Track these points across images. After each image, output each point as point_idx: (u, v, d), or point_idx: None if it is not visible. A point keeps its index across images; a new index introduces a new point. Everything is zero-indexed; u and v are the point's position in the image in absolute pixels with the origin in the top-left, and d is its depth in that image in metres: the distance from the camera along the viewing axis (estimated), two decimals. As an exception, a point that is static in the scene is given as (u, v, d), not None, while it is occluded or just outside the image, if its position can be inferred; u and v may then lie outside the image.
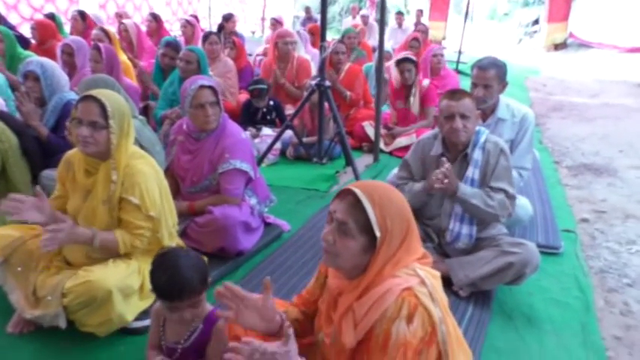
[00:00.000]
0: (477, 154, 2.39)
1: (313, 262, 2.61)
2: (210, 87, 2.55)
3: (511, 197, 2.35)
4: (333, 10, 21.37)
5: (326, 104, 3.69)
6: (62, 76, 3.21)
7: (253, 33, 14.26)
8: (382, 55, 4.09)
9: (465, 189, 2.30)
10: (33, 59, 3.15)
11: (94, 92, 2.04)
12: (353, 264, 1.33)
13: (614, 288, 2.55)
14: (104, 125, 1.99)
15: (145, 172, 2.10)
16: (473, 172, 2.38)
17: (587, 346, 2.08)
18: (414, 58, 4.54)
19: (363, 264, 1.33)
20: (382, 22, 4.02)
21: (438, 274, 1.39)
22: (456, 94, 2.39)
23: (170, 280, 1.51)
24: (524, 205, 2.83)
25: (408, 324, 1.24)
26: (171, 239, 2.28)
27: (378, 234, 1.28)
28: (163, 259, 1.56)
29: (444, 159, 2.34)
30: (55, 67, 3.18)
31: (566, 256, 2.84)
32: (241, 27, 9.13)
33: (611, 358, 2.02)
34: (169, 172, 2.71)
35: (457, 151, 2.43)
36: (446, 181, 2.25)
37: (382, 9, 4.01)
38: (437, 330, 1.28)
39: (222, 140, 2.60)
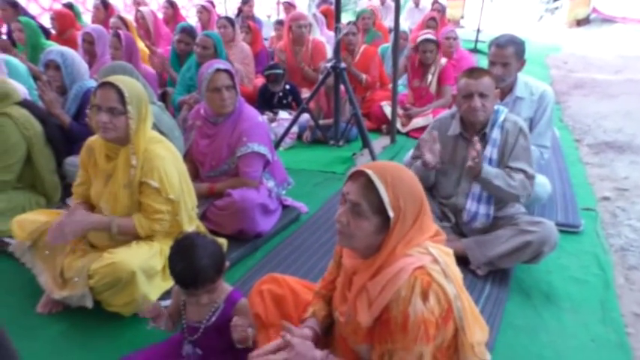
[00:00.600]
0: (495, 134, 2.37)
1: (331, 243, 2.64)
2: (226, 70, 2.57)
3: (530, 177, 2.32)
4: (349, -8, 21.09)
5: (342, 86, 3.68)
6: (82, 65, 3.26)
7: (269, 17, 14.16)
8: (398, 36, 4.05)
9: (489, 170, 2.27)
10: (53, 48, 3.20)
11: (112, 79, 2.08)
12: (367, 244, 1.35)
13: (635, 265, 2.53)
14: (122, 111, 2.04)
15: (164, 155, 2.15)
16: (491, 151, 2.37)
17: (606, 322, 2.08)
18: (434, 38, 4.49)
19: (376, 244, 1.35)
20: (397, 2, 3.95)
21: (450, 251, 1.40)
22: (474, 72, 2.36)
23: (185, 268, 1.55)
24: (542, 183, 2.80)
25: (424, 302, 1.26)
26: (191, 222, 2.33)
27: (391, 214, 1.30)
28: (180, 246, 1.59)
29: (476, 138, 2.29)
30: (75, 55, 3.23)
31: (586, 235, 2.82)
32: (257, 11, 9.06)
33: (631, 334, 2.02)
34: (188, 157, 2.75)
35: (475, 131, 2.41)
36: (477, 160, 2.23)
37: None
38: (453, 306, 1.30)
39: (239, 124, 2.63)
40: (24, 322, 2.07)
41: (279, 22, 7.27)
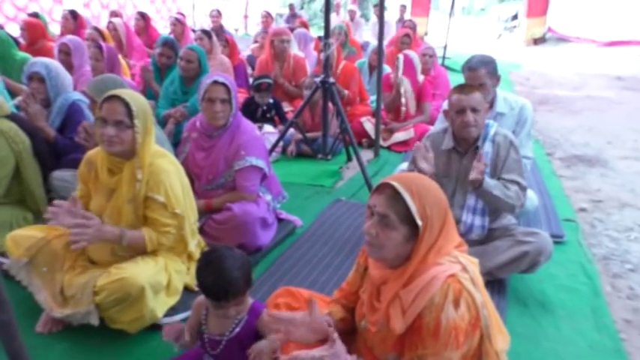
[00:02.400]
0: (487, 147, 2.46)
1: (330, 256, 2.67)
2: (224, 84, 2.57)
3: (523, 188, 2.42)
4: (314, 7, 21.39)
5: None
6: (67, 77, 3.19)
7: (236, 30, 14.20)
8: (382, 51, 4.14)
9: (489, 181, 2.34)
10: (37, 60, 3.12)
11: (118, 92, 2.05)
12: (396, 254, 1.39)
13: (619, 274, 2.66)
14: (129, 124, 2.01)
15: (169, 170, 2.13)
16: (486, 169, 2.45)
17: (600, 329, 2.18)
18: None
19: (405, 253, 1.39)
20: (382, 18, 4.05)
21: (476, 260, 1.46)
22: (465, 88, 2.45)
23: (217, 281, 1.54)
24: (530, 197, 2.91)
25: (456, 309, 1.31)
26: (193, 236, 2.32)
27: (419, 223, 1.34)
28: (209, 259, 1.59)
29: (480, 152, 2.36)
30: (59, 67, 3.16)
31: (569, 245, 2.95)
32: (225, 24, 9.09)
33: (625, 340, 2.12)
34: (183, 170, 2.72)
35: (468, 145, 2.50)
36: (481, 174, 2.29)
37: (381, 4, 4.05)
38: (480, 314, 1.36)
39: (237, 137, 2.64)
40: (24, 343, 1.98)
41: (265, 32, 7.37)
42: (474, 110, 2.38)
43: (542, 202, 3.44)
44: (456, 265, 1.37)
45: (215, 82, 2.55)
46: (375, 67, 5.93)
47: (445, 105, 2.70)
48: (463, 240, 1.51)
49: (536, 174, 4.03)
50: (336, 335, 1.34)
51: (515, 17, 15.97)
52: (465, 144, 2.50)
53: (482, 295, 1.38)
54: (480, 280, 1.40)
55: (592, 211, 3.43)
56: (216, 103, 2.55)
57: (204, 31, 5.25)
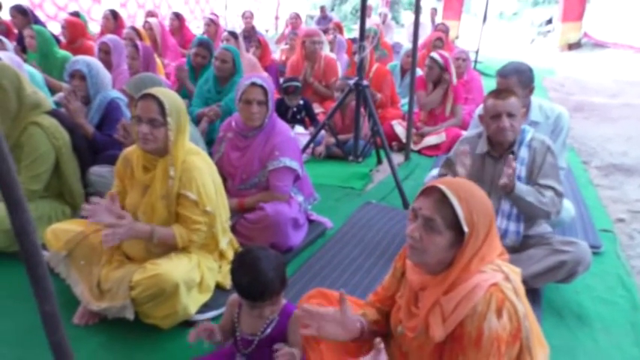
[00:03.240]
0: (523, 152, 2.41)
1: (360, 259, 2.66)
2: (261, 86, 2.59)
3: (559, 195, 2.37)
4: (344, 9, 21.41)
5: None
6: (106, 75, 3.27)
7: (267, 31, 14.30)
8: (415, 54, 4.11)
9: (521, 186, 2.31)
10: (79, 59, 3.20)
11: (152, 91, 2.09)
12: (438, 259, 1.37)
13: (659, 287, 2.58)
14: (162, 122, 2.05)
15: (201, 167, 2.16)
16: (519, 169, 2.40)
17: (639, 345, 2.11)
18: (440, 60, 4.59)
19: (447, 259, 1.37)
20: (417, 21, 4.01)
21: (518, 270, 1.43)
22: (501, 93, 2.41)
23: (252, 281, 1.55)
24: (566, 207, 2.85)
25: (498, 318, 1.28)
26: (225, 234, 2.34)
27: (466, 229, 1.32)
28: (244, 260, 1.60)
29: (511, 156, 2.32)
30: (100, 66, 3.24)
31: (607, 256, 2.87)
32: (256, 25, 9.20)
33: (666, 356, 2.05)
34: (217, 169, 2.75)
35: (503, 150, 2.45)
36: (511, 178, 2.26)
37: (417, 7, 4.02)
38: (521, 325, 1.32)
39: (272, 138, 2.65)
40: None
41: (295, 34, 7.42)
42: (510, 115, 2.34)
43: (579, 212, 3.35)
44: (498, 274, 1.34)
45: (253, 84, 2.57)
46: (406, 70, 5.90)
47: (480, 110, 2.67)
48: (504, 249, 1.48)
49: (572, 183, 3.94)
50: (382, 346, 1.32)
51: (549, 22, 15.64)
52: (499, 148, 2.46)
53: (524, 306, 1.35)
54: (522, 290, 1.37)
55: (630, 222, 3.33)
56: (253, 104, 2.57)
57: (231, 33, 5.32)
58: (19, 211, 1.17)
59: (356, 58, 3.44)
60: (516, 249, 2.44)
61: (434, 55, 4.61)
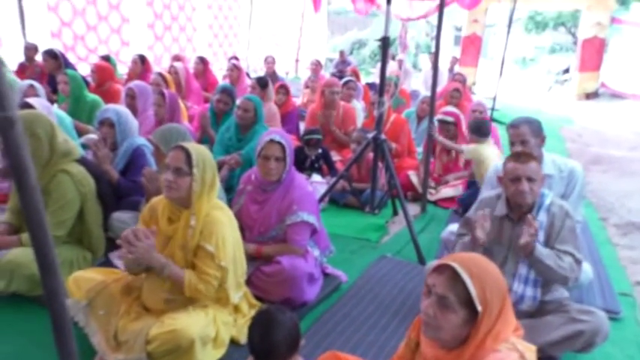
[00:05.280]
0: (541, 216, 2.42)
1: (376, 315, 2.65)
2: (279, 143, 2.67)
3: (578, 261, 2.36)
4: (362, 53, 21.88)
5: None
6: (134, 123, 3.40)
7: (287, 73, 14.65)
8: (433, 105, 4.17)
9: (541, 249, 2.31)
10: (109, 107, 3.35)
11: (185, 144, 2.18)
12: (452, 336, 1.38)
13: (680, 358, 2.52)
14: (187, 172, 2.12)
15: (224, 222, 2.21)
16: (538, 234, 2.41)
17: (661, 419, 2.06)
18: (450, 119, 4.73)
19: (462, 335, 1.38)
20: (435, 71, 4.08)
21: (533, 347, 1.44)
22: (521, 156, 2.45)
23: (261, 341, 1.61)
24: (585, 269, 2.83)
25: (514, 399, 1.28)
26: (239, 289, 2.34)
27: (479, 308, 1.34)
28: (260, 319, 1.66)
29: (530, 216, 2.34)
30: (128, 114, 3.37)
31: (626, 322, 2.82)
32: (276, 67, 9.50)
33: None
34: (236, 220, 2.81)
35: (521, 213, 2.47)
36: (534, 237, 2.27)
37: (436, 56, 4.10)
38: (537, 405, 1.32)
39: (290, 192, 2.71)
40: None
41: (315, 76, 7.68)
42: (530, 179, 2.37)
43: (597, 273, 3.31)
44: (513, 353, 1.35)
45: (271, 141, 2.65)
46: (422, 117, 5.99)
47: (499, 170, 2.71)
48: (514, 310, 1.48)
49: (589, 241, 3.90)
50: None
51: (566, 71, 15.78)
52: (518, 211, 2.48)
53: (539, 385, 1.35)
54: (537, 369, 1.37)
55: (651, 286, 3.28)
56: (271, 160, 2.65)
57: (259, 80, 5.46)
58: (51, 274, 1.22)
59: (375, 112, 3.52)
60: (533, 314, 2.42)
61: (444, 117, 4.74)
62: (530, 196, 2.39)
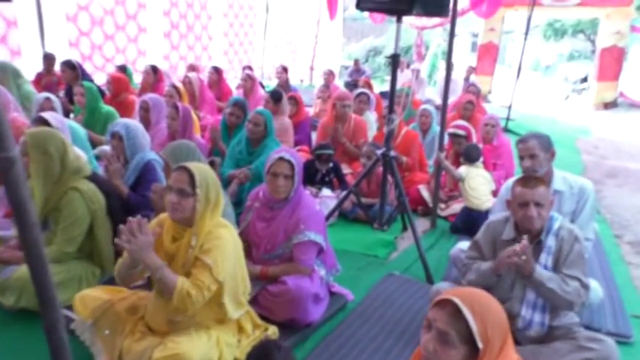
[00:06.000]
0: (550, 241, 2.40)
1: (381, 337, 2.64)
2: (289, 161, 2.68)
3: (585, 286, 2.33)
4: (378, 61, 21.87)
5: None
6: (145, 138, 3.43)
7: (302, 81, 14.72)
8: (445, 119, 4.14)
9: (542, 272, 2.29)
10: (120, 121, 3.41)
11: (188, 164, 2.19)
12: (453, 373, 1.37)
13: (693, 387, 2.46)
14: (191, 193, 2.13)
15: (226, 238, 2.20)
16: (546, 258, 2.38)
17: None
18: (462, 132, 4.73)
19: (463, 371, 1.37)
20: (447, 85, 4.03)
21: (533, 385, 1.41)
22: (530, 181, 2.42)
23: None
24: (594, 287, 2.79)
25: None
26: (240, 308, 2.31)
27: (480, 345, 1.33)
28: (257, 351, 1.70)
29: (524, 237, 2.33)
30: (138, 128, 3.41)
31: (638, 346, 2.76)
32: (291, 75, 9.55)
33: None
34: (242, 237, 2.81)
35: (531, 237, 2.44)
36: (523, 257, 2.26)
37: (448, 67, 4.06)
38: None
39: (297, 211, 2.71)
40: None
41: (327, 86, 7.72)
42: (538, 204, 2.35)
43: (608, 293, 3.26)
44: (512, 391, 1.33)
45: (281, 159, 2.66)
46: (425, 131, 5.95)
47: (508, 193, 2.68)
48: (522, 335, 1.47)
49: (601, 259, 3.84)
50: None
51: (584, 80, 15.57)
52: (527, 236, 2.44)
53: None
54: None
55: (664, 309, 3.20)
56: (280, 177, 2.66)
57: (273, 94, 5.46)
58: (51, 309, 1.24)
59: (385, 129, 3.51)
60: (541, 340, 2.39)
61: (456, 131, 4.74)
62: (538, 222, 2.36)
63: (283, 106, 5.44)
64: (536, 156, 2.88)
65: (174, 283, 2.05)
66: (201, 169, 2.23)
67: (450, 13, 3.66)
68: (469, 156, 4.39)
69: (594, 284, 2.85)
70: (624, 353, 2.65)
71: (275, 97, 5.39)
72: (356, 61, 13.38)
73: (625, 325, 2.92)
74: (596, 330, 2.69)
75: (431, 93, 10.92)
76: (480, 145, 4.78)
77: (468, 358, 1.36)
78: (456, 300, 1.37)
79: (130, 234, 1.98)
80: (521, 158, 2.95)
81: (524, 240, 2.28)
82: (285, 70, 8.75)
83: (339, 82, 12.31)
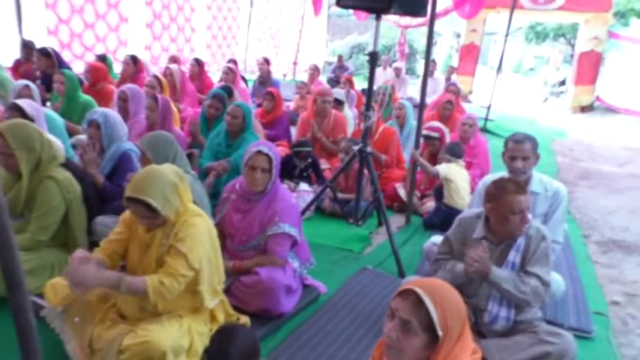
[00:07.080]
0: (519, 239, 2.47)
1: (352, 329, 2.69)
2: (267, 155, 2.70)
3: (545, 283, 2.40)
4: (361, 58, 21.88)
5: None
6: (122, 128, 3.42)
7: (285, 76, 14.69)
8: (422, 116, 4.17)
9: (499, 273, 2.36)
10: (98, 110, 3.39)
11: (145, 198, 2.09)
12: (414, 358, 1.43)
13: (648, 380, 2.57)
14: (155, 215, 2.13)
15: (200, 225, 2.22)
16: (515, 256, 2.45)
17: None
18: (435, 134, 4.82)
19: (423, 358, 1.44)
20: (424, 84, 4.05)
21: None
22: (521, 188, 2.44)
23: (216, 355, 1.65)
24: (556, 280, 2.90)
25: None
26: (215, 296, 2.35)
27: (440, 334, 1.39)
28: (220, 332, 1.72)
29: (483, 241, 2.42)
30: (116, 118, 3.40)
31: (598, 342, 2.86)
32: (274, 70, 9.51)
33: None
34: (218, 228, 2.83)
35: (500, 239, 2.50)
36: (476, 264, 2.34)
37: (426, 65, 4.10)
38: None
39: (273, 204, 2.75)
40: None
41: (306, 83, 7.74)
42: (527, 209, 2.42)
43: (573, 291, 3.36)
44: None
45: (259, 152, 2.69)
46: (401, 125, 5.98)
47: (484, 189, 2.72)
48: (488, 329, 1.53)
49: (569, 257, 3.95)
50: None
51: (562, 83, 15.85)
52: (498, 236, 2.50)
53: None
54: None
55: (625, 306, 3.33)
56: (257, 171, 2.69)
57: (223, 88, 5.39)
58: (19, 291, 1.26)
59: (362, 126, 3.55)
60: (505, 334, 2.46)
61: (430, 133, 4.83)
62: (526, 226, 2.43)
63: (235, 100, 5.40)
64: (528, 158, 2.94)
65: (143, 284, 2.05)
66: (157, 191, 2.11)
67: (429, 14, 3.70)
68: (454, 152, 4.46)
69: (557, 277, 2.95)
70: (585, 348, 2.76)
71: (227, 92, 5.28)
72: (339, 57, 13.41)
73: (587, 321, 3.02)
74: (559, 325, 2.78)
75: (414, 92, 11.01)
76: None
77: (429, 346, 1.41)
78: (418, 290, 1.42)
79: (72, 273, 1.99)
80: (513, 159, 2.96)
81: (482, 246, 2.39)
82: (267, 61, 8.72)
83: (323, 78, 12.33)
